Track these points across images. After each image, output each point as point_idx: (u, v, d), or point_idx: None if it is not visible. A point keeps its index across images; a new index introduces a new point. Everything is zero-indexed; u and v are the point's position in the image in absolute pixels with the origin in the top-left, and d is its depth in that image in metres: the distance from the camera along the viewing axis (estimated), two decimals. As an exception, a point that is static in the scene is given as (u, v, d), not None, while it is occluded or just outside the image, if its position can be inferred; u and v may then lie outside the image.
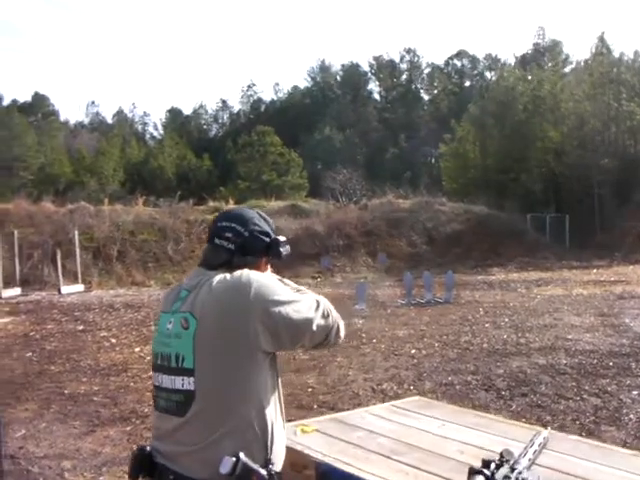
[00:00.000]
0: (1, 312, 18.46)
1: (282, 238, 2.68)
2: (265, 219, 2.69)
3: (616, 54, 43.30)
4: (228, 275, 2.49)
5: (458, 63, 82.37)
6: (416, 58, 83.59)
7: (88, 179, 55.09)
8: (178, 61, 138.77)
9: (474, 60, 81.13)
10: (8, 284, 23.51)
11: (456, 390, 9.19)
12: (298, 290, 2.66)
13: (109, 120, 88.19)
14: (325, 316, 2.56)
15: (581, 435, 7.13)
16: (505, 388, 9.18)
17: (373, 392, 9.05)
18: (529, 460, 2.83)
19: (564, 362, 10.64)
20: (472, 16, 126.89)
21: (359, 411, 4.49)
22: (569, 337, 12.70)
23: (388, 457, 3.28)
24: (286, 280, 2.72)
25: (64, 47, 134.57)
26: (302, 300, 2.53)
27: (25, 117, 67.52)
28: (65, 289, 23.30)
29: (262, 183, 51.86)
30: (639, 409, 8.00)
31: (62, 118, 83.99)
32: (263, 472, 2.34)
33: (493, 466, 2.58)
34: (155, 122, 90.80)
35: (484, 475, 2.49)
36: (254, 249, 2.60)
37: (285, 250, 2.69)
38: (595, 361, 10.67)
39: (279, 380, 2.59)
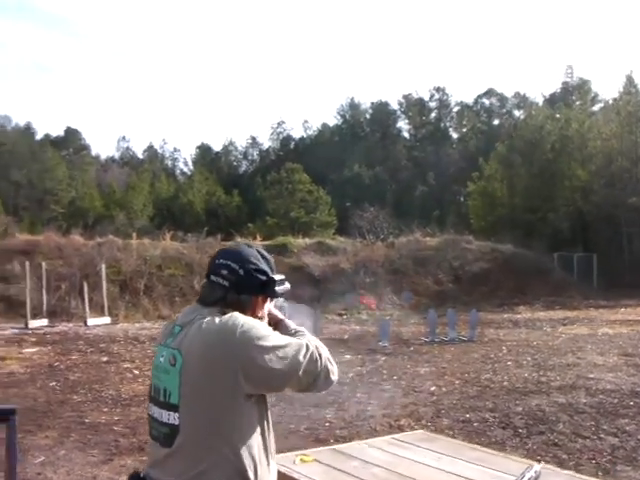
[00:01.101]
0: (28, 342, 18.65)
1: (279, 276, 2.69)
2: (264, 257, 2.69)
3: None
4: (218, 317, 2.51)
5: (487, 101, 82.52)
6: (445, 96, 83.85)
7: (117, 213, 55.58)
8: (208, 98, 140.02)
9: (502, 99, 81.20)
10: (36, 315, 23.76)
11: (473, 427, 9.18)
12: (296, 332, 2.70)
13: (140, 155, 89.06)
14: (313, 360, 2.55)
15: (597, 475, 7.13)
16: (522, 426, 9.16)
17: (390, 428, 9.05)
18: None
19: (584, 401, 10.60)
20: (501, 55, 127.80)
21: (360, 442, 4.56)
22: (591, 376, 12.65)
23: (379, 486, 3.35)
24: (287, 322, 2.78)
25: (95, 83, 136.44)
26: (289, 345, 2.53)
27: (57, 151, 68.50)
28: (91, 321, 23.46)
29: (290, 220, 52.02)
30: (657, 449, 7.96)
31: (93, 152, 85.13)
32: None
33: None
34: (185, 158, 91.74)
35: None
36: (249, 287, 2.62)
37: (282, 289, 2.70)
38: (616, 400, 10.62)
39: (268, 418, 2.61)
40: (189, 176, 78.52)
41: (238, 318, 2.51)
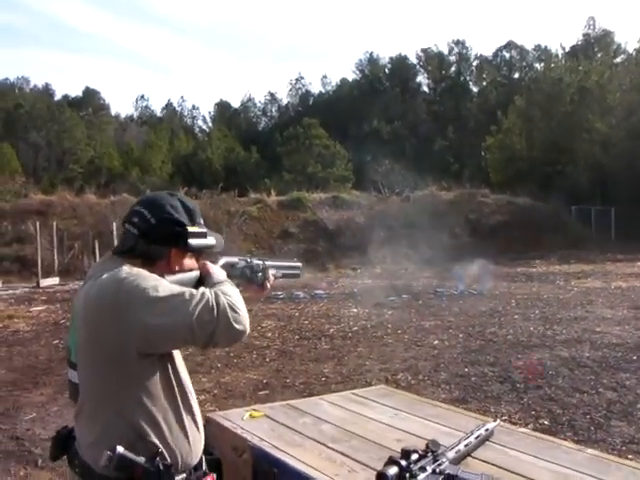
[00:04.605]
0: (37, 301, 18.74)
1: (196, 229, 2.47)
2: (187, 207, 2.49)
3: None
4: (111, 272, 2.33)
5: (507, 54, 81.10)
6: (465, 50, 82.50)
7: (137, 172, 55.53)
8: (227, 54, 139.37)
9: (523, 51, 79.68)
10: (48, 274, 23.84)
11: (471, 382, 9.08)
12: (215, 284, 2.44)
13: (158, 114, 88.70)
14: (208, 309, 2.27)
15: (589, 430, 7.01)
16: (521, 380, 9.03)
17: (386, 382, 8.93)
18: (456, 452, 2.74)
19: (587, 355, 10.45)
20: (521, 7, 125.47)
21: (316, 398, 4.43)
22: (597, 330, 12.49)
23: (324, 444, 3.22)
24: (214, 275, 2.51)
25: (113, 42, 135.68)
26: (177, 296, 2.28)
27: (76, 111, 68.29)
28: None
29: (307, 175, 51.59)
30: (654, 403, 7.81)
31: (112, 112, 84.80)
32: (145, 464, 2.24)
33: (415, 457, 2.50)
34: (204, 115, 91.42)
35: (399, 466, 2.43)
36: (160, 237, 2.43)
37: (198, 242, 2.47)
38: (619, 354, 10.46)
39: (180, 377, 2.44)
40: (208, 133, 78.07)
41: (121, 272, 2.32)
